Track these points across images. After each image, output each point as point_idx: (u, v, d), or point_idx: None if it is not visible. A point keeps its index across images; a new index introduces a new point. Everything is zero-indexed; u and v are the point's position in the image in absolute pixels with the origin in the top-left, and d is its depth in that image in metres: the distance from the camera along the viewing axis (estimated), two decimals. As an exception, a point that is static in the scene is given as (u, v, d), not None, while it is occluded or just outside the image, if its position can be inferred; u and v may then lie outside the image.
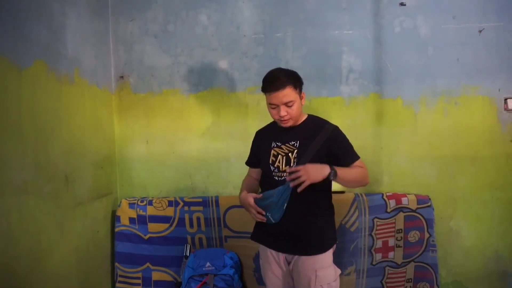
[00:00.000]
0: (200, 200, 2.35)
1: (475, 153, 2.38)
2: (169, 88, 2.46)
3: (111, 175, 2.43)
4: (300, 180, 1.51)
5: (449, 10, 2.37)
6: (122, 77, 2.47)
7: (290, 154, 1.69)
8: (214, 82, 2.45)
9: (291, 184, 1.55)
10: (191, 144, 2.47)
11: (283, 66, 2.37)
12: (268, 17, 2.42)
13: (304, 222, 1.66)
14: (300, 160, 1.64)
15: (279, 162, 1.71)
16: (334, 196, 2.28)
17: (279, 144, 1.73)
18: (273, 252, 1.75)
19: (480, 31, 2.36)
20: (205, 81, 2.45)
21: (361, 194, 2.29)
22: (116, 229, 2.31)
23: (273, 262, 1.76)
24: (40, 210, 1.67)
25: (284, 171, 1.67)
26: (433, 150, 2.40)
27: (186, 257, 2.24)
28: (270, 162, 1.73)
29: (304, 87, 2.40)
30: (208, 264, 2.13)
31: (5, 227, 1.46)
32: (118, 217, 2.32)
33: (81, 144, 2.04)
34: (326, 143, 1.66)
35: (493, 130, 2.37)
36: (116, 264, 2.31)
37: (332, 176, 1.56)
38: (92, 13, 2.22)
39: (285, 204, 1.62)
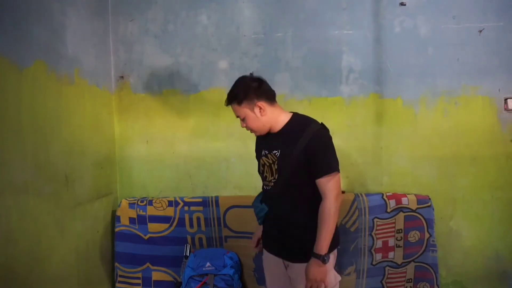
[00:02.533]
0: (200, 200, 2.35)
1: (475, 153, 2.38)
2: (169, 88, 2.46)
3: (111, 175, 2.43)
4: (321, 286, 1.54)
5: (449, 10, 2.37)
6: (122, 77, 2.47)
7: (272, 165, 1.65)
8: (214, 82, 2.45)
9: None
10: (191, 144, 2.47)
11: (283, 66, 2.42)
12: (268, 17, 2.42)
13: (297, 233, 1.61)
14: (280, 175, 1.61)
15: (266, 172, 1.69)
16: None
17: (266, 152, 1.69)
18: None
19: (480, 31, 2.36)
20: (205, 81, 2.45)
21: (361, 194, 2.29)
22: (116, 229, 2.31)
23: (273, 262, 1.75)
24: (40, 210, 1.67)
25: (270, 181, 1.66)
26: (433, 150, 2.40)
27: (186, 257, 2.23)
28: (260, 171, 1.74)
29: (304, 87, 2.43)
30: (208, 264, 2.13)
31: (5, 227, 1.46)
32: (118, 217, 2.32)
33: (81, 144, 2.04)
34: (305, 149, 1.55)
35: (493, 130, 2.37)
36: (116, 264, 2.31)
37: (327, 260, 1.52)
38: (92, 13, 2.22)
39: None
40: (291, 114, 1.68)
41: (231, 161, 2.46)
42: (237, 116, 1.67)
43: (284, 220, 1.64)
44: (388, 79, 2.39)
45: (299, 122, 1.64)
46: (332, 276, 1.64)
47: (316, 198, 1.57)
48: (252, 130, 1.68)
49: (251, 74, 1.70)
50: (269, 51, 2.43)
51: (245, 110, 1.62)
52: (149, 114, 2.47)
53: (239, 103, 1.62)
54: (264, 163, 1.69)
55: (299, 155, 1.55)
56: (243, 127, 1.69)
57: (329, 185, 1.53)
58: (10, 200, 1.49)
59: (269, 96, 1.64)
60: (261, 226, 1.80)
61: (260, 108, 1.61)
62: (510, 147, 2.37)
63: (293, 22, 2.41)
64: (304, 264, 1.57)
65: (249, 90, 1.61)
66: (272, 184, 1.65)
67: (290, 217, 1.63)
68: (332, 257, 1.65)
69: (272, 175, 1.66)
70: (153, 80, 2.47)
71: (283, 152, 1.61)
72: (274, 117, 1.64)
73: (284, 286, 1.75)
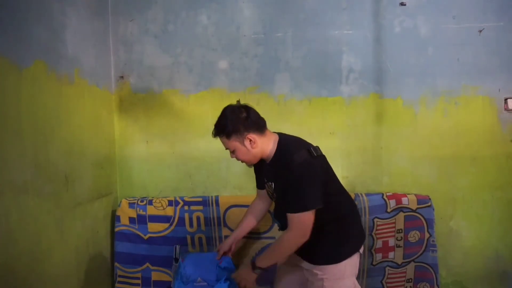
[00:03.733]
0: (200, 199, 2.35)
1: (475, 153, 2.38)
2: (169, 88, 2.46)
3: (111, 175, 2.43)
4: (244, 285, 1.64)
5: (449, 10, 2.37)
6: (122, 77, 2.47)
7: (272, 195, 1.71)
8: (214, 82, 2.45)
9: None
10: (191, 144, 2.47)
11: (283, 66, 2.42)
12: (268, 17, 2.42)
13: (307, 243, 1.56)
14: (279, 209, 1.67)
15: (272, 197, 1.75)
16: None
17: (265, 180, 1.71)
18: None
19: (480, 31, 2.36)
20: (205, 81, 2.45)
21: (361, 194, 2.30)
22: (116, 229, 2.31)
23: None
24: (40, 210, 1.67)
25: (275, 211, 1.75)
26: (433, 150, 2.40)
27: (176, 260, 2.13)
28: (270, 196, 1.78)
29: (304, 87, 2.43)
30: (199, 279, 1.89)
31: (5, 227, 1.46)
32: (118, 217, 2.32)
33: (81, 144, 2.04)
34: (285, 185, 1.54)
35: (493, 130, 2.37)
36: (116, 264, 2.31)
37: (257, 272, 1.60)
38: (92, 13, 2.22)
39: None
40: (277, 139, 1.61)
41: (231, 161, 2.45)
42: (226, 148, 1.62)
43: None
44: (388, 79, 2.39)
45: (284, 152, 1.56)
46: (352, 285, 1.63)
47: (329, 208, 1.53)
48: (242, 161, 1.64)
49: (238, 102, 1.64)
50: (269, 51, 2.43)
51: (234, 143, 1.57)
52: (149, 114, 2.47)
53: (228, 136, 1.56)
54: (268, 191, 1.74)
55: (283, 190, 1.57)
56: (232, 158, 1.65)
57: (295, 222, 1.50)
58: (10, 200, 1.48)
59: (259, 126, 1.58)
60: (237, 233, 1.89)
61: (251, 141, 1.55)
62: (510, 147, 2.37)
63: (293, 22, 2.41)
64: (312, 265, 1.63)
65: (238, 122, 1.55)
66: (276, 208, 1.74)
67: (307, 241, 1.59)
68: (351, 265, 1.61)
69: (274, 201, 1.73)
70: (153, 80, 2.47)
71: (276, 185, 1.63)
72: (264, 148, 1.59)
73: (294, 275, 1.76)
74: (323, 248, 1.59)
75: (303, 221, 1.48)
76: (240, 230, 1.90)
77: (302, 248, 1.55)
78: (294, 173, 1.48)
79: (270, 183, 1.65)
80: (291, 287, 1.78)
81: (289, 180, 1.49)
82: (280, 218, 1.65)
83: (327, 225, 1.58)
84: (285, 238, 1.53)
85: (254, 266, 1.59)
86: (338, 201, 1.64)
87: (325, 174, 1.59)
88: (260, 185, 1.84)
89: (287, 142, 1.60)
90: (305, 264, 1.66)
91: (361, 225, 1.74)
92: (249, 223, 1.89)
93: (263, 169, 1.69)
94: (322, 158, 1.62)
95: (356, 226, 1.70)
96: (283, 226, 1.62)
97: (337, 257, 1.59)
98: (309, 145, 1.60)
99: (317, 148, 1.59)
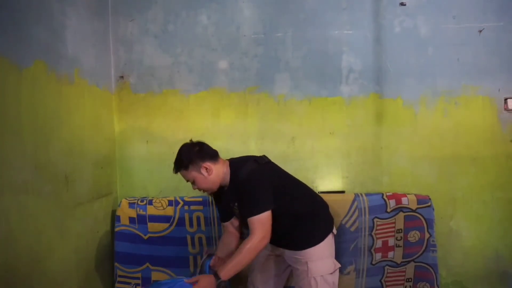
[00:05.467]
0: (200, 199, 2.34)
1: (475, 153, 2.39)
2: (169, 88, 2.46)
3: (111, 175, 2.43)
4: None
5: (449, 10, 2.37)
6: (122, 77, 2.47)
7: (240, 216, 1.80)
8: (214, 82, 2.45)
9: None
10: (191, 144, 2.46)
11: (283, 66, 2.42)
12: (268, 17, 2.42)
13: (287, 236, 1.77)
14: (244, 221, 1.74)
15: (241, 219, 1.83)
16: (334, 196, 2.28)
17: (231, 205, 1.81)
18: None
19: (480, 31, 2.36)
20: (205, 81, 2.45)
21: (361, 194, 2.29)
22: (116, 229, 2.31)
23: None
24: (40, 210, 1.67)
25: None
26: (433, 150, 2.40)
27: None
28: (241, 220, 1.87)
29: (304, 87, 2.43)
30: None
31: (5, 227, 1.46)
32: (118, 217, 2.31)
33: (81, 144, 2.04)
34: (242, 196, 1.70)
35: (493, 130, 2.37)
36: (116, 264, 2.31)
37: (222, 284, 1.64)
38: (92, 13, 2.22)
39: None
40: (228, 163, 1.80)
41: (231, 161, 2.46)
42: (187, 181, 1.79)
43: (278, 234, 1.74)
44: (388, 79, 2.40)
45: (235, 170, 1.74)
46: (328, 263, 1.78)
47: (292, 203, 1.75)
48: (204, 190, 1.81)
49: (190, 140, 1.82)
50: (269, 51, 2.43)
51: (193, 173, 1.74)
52: (149, 114, 2.47)
53: (186, 168, 1.74)
54: (235, 212, 1.83)
55: (242, 199, 1.71)
56: (194, 189, 1.81)
57: (255, 225, 1.63)
58: (10, 200, 1.49)
59: (212, 155, 1.77)
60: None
61: (207, 169, 1.73)
62: (510, 147, 2.37)
63: (293, 22, 2.41)
64: (295, 252, 1.77)
65: (192, 154, 1.74)
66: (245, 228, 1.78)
67: (283, 234, 1.76)
68: (327, 245, 1.79)
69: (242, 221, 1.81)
70: (153, 80, 2.47)
71: (238, 203, 1.75)
72: (220, 173, 1.76)
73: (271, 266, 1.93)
74: (301, 235, 1.76)
75: (262, 222, 1.63)
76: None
77: (284, 240, 1.77)
78: (245, 183, 1.68)
79: (235, 204, 1.78)
80: (263, 271, 1.94)
81: (243, 191, 1.68)
82: None
83: (300, 217, 1.76)
84: (248, 245, 1.62)
85: (218, 279, 1.62)
86: (301, 195, 1.82)
87: (275, 176, 1.78)
88: (224, 217, 1.93)
89: (235, 161, 1.80)
90: (288, 253, 1.81)
91: (328, 211, 1.90)
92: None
93: (224, 198, 1.84)
94: (270, 164, 1.83)
95: (324, 211, 1.88)
96: None
97: (315, 240, 1.77)
98: (254, 156, 1.82)
99: (263, 157, 1.81)
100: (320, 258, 1.76)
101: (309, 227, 1.77)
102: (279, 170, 1.85)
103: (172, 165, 1.78)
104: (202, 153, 1.75)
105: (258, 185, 1.68)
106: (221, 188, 1.81)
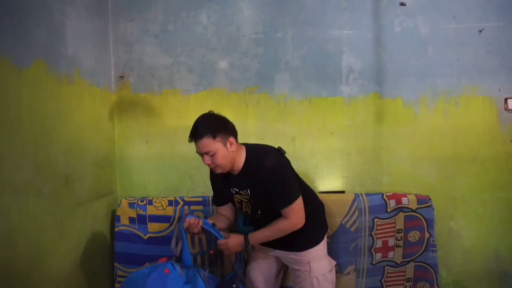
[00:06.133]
0: (200, 199, 2.34)
1: (475, 153, 2.39)
2: (169, 88, 2.46)
3: (111, 175, 2.43)
4: (223, 250, 1.74)
5: (449, 10, 2.37)
6: (122, 77, 2.47)
7: (249, 201, 1.76)
8: (214, 82, 2.45)
9: (211, 252, 1.89)
10: (191, 144, 2.46)
11: (283, 66, 2.42)
12: (268, 17, 2.42)
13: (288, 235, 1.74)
14: (260, 209, 1.74)
15: (245, 207, 1.79)
16: (334, 196, 2.28)
17: (237, 190, 1.76)
18: None
19: (480, 31, 2.36)
20: (205, 81, 2.45)
21: (361, 194, 2.30)
22: (116, 229, 2.31)
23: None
24: (40, 210, 1.67)
25: (253, 212, 1.77)
26: (433, 150, 2.40)
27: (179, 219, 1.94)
28: (237, 208, 1.84)
29: (304, 87, 2.43)
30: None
31: (5, 227, 1.46)
32: (118, 217, 2.31)
33: (81, 144, 2.04)
34: (266, 187, 1.65)
35: (493, 130, 2.38)
36: (116, 264, 2.31)
37: (249, 249, 1.73)
38: (92, 13, 2.22)
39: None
40: (245, 148, 1.73)
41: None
42: (204, 153, 1.64)
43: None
44: (388, 79, 2.40)
45: (256, 159, 1.67)
46: (326, 262, 1.84)
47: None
48: (217, 167, 1.67)
49: (211, 111, 1.73)
50: (269, 51, 2.43)
51: (217, 144, 1.61)
52: (149, 114, 2.47)
53: (214, 136, 1.60)
54: (241, 200, 1.78)
55: (266, 192, 1.66)
56: (206, 163, 1.66)
57: (290, 213, 1.66)
58: (10, 200, 1.48)
59: (236, 133, 1.70)
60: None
61: (231, 144, 1.64)
62: (510, 147, 2.37)
63: (293, 22, 2.41)
64: (306, 251, 1.78)
65: (225, 124, 1.66)
66: (254, 214, 1.77)
67: (286, 236, 1.74)
68: (323, 245, 1.85)
69: (252, 208, 1.77)
70: (153, 80, 2.47)
71: (252, 191, 1.71)
72: (236, 156, 1.69)
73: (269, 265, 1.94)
74: (304, 235, 1.75)
75: (297, 210, 1.67)
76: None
77: (286, 242, 1.74)
78: (274, 173, 1.63)
79: (245, 191, 1.73)
80: (264, 273, 1.94)
81: (273, 182, 1.63)
82: (256, 223, 1.78)
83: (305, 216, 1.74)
84: (283, 225, 1.68)
85: (246, 241, 1.70)
86: (307, 193, 1.81)
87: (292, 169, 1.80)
88: (220, 201, 1.89)
89: (253, 148, 1.73)
90: (287, 254, 1.83)
91: (324, 210, 1.95)
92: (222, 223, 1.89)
93: (231, 182, 1.77)
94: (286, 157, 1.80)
95: (323, 211, 1.93)
96: (264, 224, 1.74)
97: (316, 240, 1.82)
98: (272, 146, 1.77)
99: (281, 149, 1.76)
100: (320, 258, 1.82)
101: (311, 227, 1.78)
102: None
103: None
104: (231, 127, 1.68)
105: (288, 174, 1.69)
106: (224, 174, 1.74)
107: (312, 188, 2.00)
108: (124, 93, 2.47)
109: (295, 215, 1.66)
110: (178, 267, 1.58)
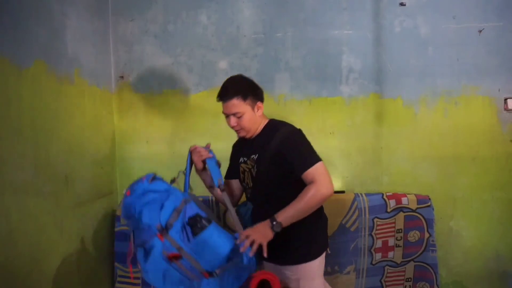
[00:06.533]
0: (200, 199, 2.34)
1: (475, 153, 2.38)
2: (169, 88, 2.46)
3: (111, 175, 2.43)
4: (253, 243, 1.39)
5: (449, 10, 2.37)
6: (122, 77, 2.47)
7: (252, 170, 1.61)
8: (214, 82, 2.45)
9: (251, 254, 1.38)
10: (191, 144, 2.45)
11: (283, 66, 2.42)
12: (268, 17, 2.42)
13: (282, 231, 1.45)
14: (260, 176, 1.57)
15: (247, 178, 1.66)
16: (334, 196, 2.27)
17: (245, 159, 1.66)
18: None
19: (480, 31, 2.36)
20: (205, 81, 2.45)
21: (361, 194, 2.29)
22: (116, 229, 2.31)
23: None
24: (40, 210, 1.67)
25: (251, 186, 1.62)
26: (433, 150, 2.40)
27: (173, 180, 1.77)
28: (241, 179, 1.70)
29: (304, 87, 2.43)
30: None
31: (5, 227, 1.46)
32: (118, 217, 2.31)
33: (81, 144, 2.04)
34: (279, 151, 1.51)
35: (493, 130, 2.37)
36: (116, 264, 2.31)
37: (276, 228, 1.41)
38: (92, 13, 2.22)
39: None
40: (268, 119, 1.66)
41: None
42: (232, 114, 1.56)
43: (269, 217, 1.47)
44: (388, 79, 2.40)
45: (272, 126, 1.61)
46: (322, 286, 1.61)
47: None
48: (242, 129, 1.59)
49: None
50: (269, 51, 2.43)
51: (247, 107, 1.56)
52: (149, 114, 2.47)
53: (245, 97, 1.55)
54: (244, 169, 1.67)
55: (273, 158, 1.52)
56: (231, 125, 1.60)
57: (317, 175, 1.44)
58: (10, 200, 1.49)
59: (263, 100, 1.64)
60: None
61: (259, 109, 1.60)
62: (510, 147, 2.37)
63: (293, 22, 2.41)
64: (283, 266, 1.53)
65: (255, 88, 1.61)
66: (253, 187, 1.63)
67: (278, 243, 1.45)
68: (319, 263, 1.57)
69: (252, 179, 1.62)
70: (153, 80, 2.47)
71: (259, 155, 1.59)
72: (260, 122, 1.63)
73: None
74: (299, 245, 1.52)
75: (322, 170, 1.46)
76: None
77: (277, 251, 1.47)
78: (290, 139, 1.53)
79: (253, 156, 1.61)
80: None
81: (287, 146, 1.51)
82: (255, 198, 1.62)
83: (303, 221, 1.48)
84: (312, 192, 1.42)
85: (272, 220, 1.41)
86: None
87: None
88: (230, 174, 1.77)
89: (276, 121, 1.66)
90: (275, 268, 1.54)
91: (327, 224, 1.69)
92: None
93: (245, 148, 1.67)
94: None
95: (325, 222, 1.68)
96: (261, 204, 1.58)
97: (312, 254, 1.55)
98: None
99: None
100: (313, 278, 1.55)
101: (308, 238, 1.56)
102: None
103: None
104: (260, 91, 1.62)
105: (306, 141, 1.56)
106: (240, 142, 1.69)
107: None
108: (124, 93, 2.47)
109: (322, 176, 1.44)
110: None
